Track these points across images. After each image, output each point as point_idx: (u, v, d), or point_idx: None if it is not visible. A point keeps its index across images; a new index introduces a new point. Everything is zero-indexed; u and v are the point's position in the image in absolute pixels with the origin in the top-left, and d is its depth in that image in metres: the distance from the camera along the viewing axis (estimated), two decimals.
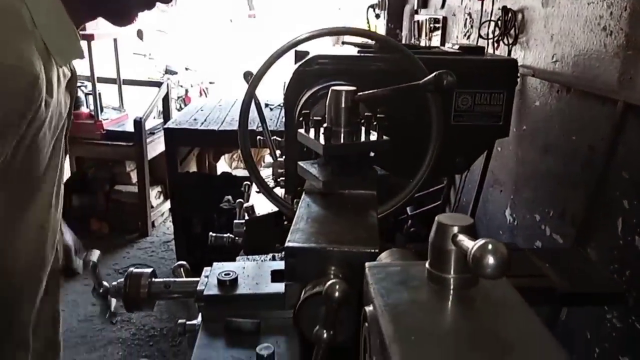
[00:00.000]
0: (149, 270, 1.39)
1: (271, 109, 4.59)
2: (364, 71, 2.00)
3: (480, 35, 2.71)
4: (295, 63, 2.08)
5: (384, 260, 0.83)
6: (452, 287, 0.58)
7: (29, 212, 1.11)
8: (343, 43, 2.26)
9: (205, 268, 1.44)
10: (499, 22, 2.57)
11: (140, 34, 6.94)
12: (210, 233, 2.38)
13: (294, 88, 1.94)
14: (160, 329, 3.62)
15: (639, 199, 1.64)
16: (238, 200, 2.40)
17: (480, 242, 0.49)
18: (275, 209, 2.21)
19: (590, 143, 1.93)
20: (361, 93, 1.35)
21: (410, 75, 1.66)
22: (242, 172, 6.24)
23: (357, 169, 1.35)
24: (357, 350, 0.69)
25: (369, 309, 0.56)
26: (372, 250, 0.98)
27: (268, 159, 8.41)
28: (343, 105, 1.32)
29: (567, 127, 2.09)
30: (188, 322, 1.45)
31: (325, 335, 0.79)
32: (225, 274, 1.34)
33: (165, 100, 5.07)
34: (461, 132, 2.05)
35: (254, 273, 1.40)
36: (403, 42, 5.20)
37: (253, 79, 1.66)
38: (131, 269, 1.38)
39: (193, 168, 5.13)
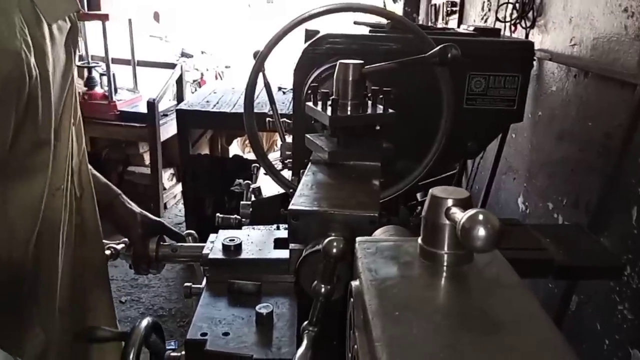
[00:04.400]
0: (157, 235, 1.43)
1: (284, 93, 4.55)
2: (375, 51, 1.96)
3: (497, 18, 2.64)
4: (305, 42, 2.05)
5: (379, 237, 0.81)
6: (445, 263, 0.55)
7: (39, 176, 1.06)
8: (355, 22, 2.22)
9: (211, 235, 1.48)
10: (517, 5, 2.49)
11: (156, 16, 6.94)
12: (218, 214, 2.38)
13: (302, 68, 1.91)
14: (169, 309, 3.64)
15: None
16: (245, 182, 2.39)
17: (470, 212, 0.46)
18: (282, 190, 2.21)
19: (606, 129, 1.87)
20: (368, 67, 1.33)
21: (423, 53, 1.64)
22: (254, 156, 6.24)
23: (362, 141, 1.36)
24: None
25: (355, 283, 0.53)
26: (372, 214, 1.02)
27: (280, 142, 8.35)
28: (350, 78, 1.33)
29: (584, 113, 2.03)
30: (194, 285, 1.48)
31: (323, 289, 0.84)
32: (230, 240, 1.39)
33: (179, 82, 5.06)
34: (474, 115, 2.00)
35: (258, 240, 1.45)
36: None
37: (258, 58, 1.64)
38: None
39: (205, 151, 5.12)
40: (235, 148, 6.38)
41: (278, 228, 1.64)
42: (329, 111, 1.34)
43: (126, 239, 1.50)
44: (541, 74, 2.37)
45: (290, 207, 1.07)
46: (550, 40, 2.27)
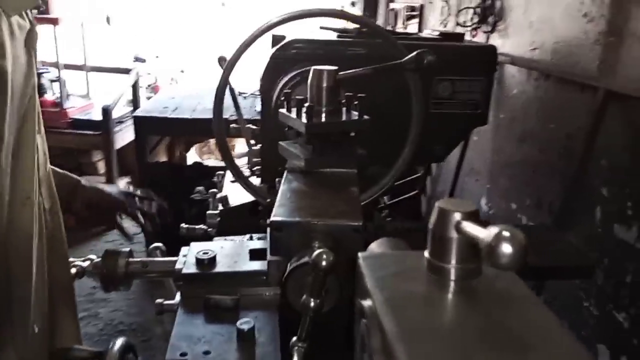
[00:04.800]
0: (127, 249, 1.36)
1: (245, 98, 4.49)
2: (342, 56, 1.96)
3: (458, 23, 2.68)
4: (272, 48, 2.02)
5: (375, 250, 0.79)
6: (454, 277, 0.54)
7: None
8: (321, 27, 2.20)
9: (183, 248, 1.42)
10: (478, 10, 2.54)
11: (108, 20, 6.72)
12: (182, 225, 2.31)
13: (270, 73, 1.88)
14: (130, 323, 3.52)
15: (619, 187, 1.64)
16: (211, 191, 2.33)
17: (496, 229, 0.44)
18: (250, 199, 2.16)
19: (568, 131, 1.92)
20: (342, 73, 1.33)
21: (390, 60, 1.63)
22: (213, 162, 6.13)
23: (338, 148, 1.35)
24: (348, 342, 0.65)
25: (366, 303, 0.51)
26: (356, 224, 1.00)
27: (238, 148, 8.30)
28: (325, 84, 1.31)
29: (545, 115, 2.08)
30: (166, 302, 1.42)
31: (312, 303, 0.81)
32: (203, 253, 1.33)
33: (134, 88, 4.92)
34: (440, 120, 2.02)
35: (232, 252, 1.40)
36: None
37: (227, 64, 1.60)
38: (110, 248, 1.35)
39: (163, 158, 4.99)
40: (193, 155, 6.27)
41: (251, 238, 1.60)
42: (304, 118, 1.32)
43: (91, 256, 1.43)
44: (502, 77, 2.42)
45: (273, 218, 1.04)
46: (510, 44, 2.32)
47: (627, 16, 1.59)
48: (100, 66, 5.18)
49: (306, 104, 1.33)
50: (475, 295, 0.51)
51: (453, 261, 0.54)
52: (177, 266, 1.32)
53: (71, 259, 1.41)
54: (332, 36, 2.03)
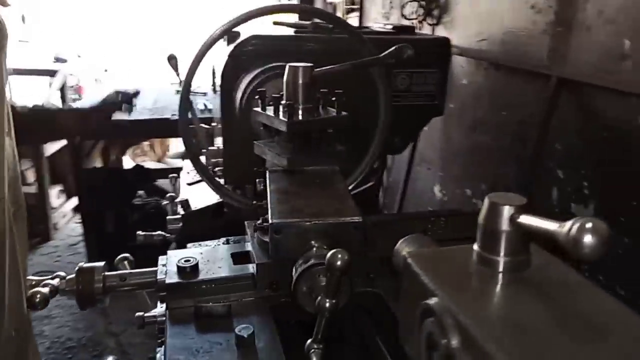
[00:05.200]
0: (101, 263, 1.28)
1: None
2: (302, 51, 1.94)
3: (404, 16, 2.73)
4: (228, 45, 1.97)
5: (406, 249, 0.79)
6: (505, 269, 0.55)
7: None
8: (275, 23, 2.17)
9: (160, 257, 1.36)
10: (422, 3, 2.60)
11: (23, 19, 6.29)
12: (138, 232, 2.22)
13: (230, 71, 1.84)
14: (79, 339, 3.34)
15: (573, 168, 1.74)
16: (169, 194, 2.24)
17: (579, 221, 0.45)
18: (212, 201, 2.11)
19: (520, 118, 2.01)
20: (318, 69, 1.32)
21: (352, 54, 1.64)
22: (153, 165, 5.92)
23: (318, 145, 1.34)
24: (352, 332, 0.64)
25: (434, 302, 0.51)
26: (357, 220, 1.02)
27: (173, 149, 8.06)
28: (301, 81, 1.30)
29: (497, 104, 2.17)
30: (147, 314, 1.35)
31: (328, 304, 0.82)
32: (185, 261, 1.28)
33: (62, 90, 4.65)
34: (399, 112, 2.05)
35: (213, 257, 1.36)
36: None
37: (192, 64, 1.55)
38: (81, 263, 1.28)
39: (98, 163, 4.76)
40: (127, 158, 6.02)
41: (227, 242, 1.55)
42: (282, 116, 1.29)
43: (59, 273, 1.33)
44: (451, 68, 2.48)
45: (272, 221, 1.02)
46: (458, 36, 2.39)
47: (575, 7, 1.68)
48: (21, 68, 4.84)
49: (283, 102, 1.31)
50: (536, 286, 0.52)
51: (504, 253, 0.55)
52: (159, 276, 1.26)
53: (35, 278, 1.32)
54: (289, 32, 2.01)
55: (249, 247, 1.39)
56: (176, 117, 3.89)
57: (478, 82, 2.29)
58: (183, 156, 7.69)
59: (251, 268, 1.30)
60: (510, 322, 0.46)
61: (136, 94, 3.56)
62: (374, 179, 3.02)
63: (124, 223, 4.12)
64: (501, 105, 2.13)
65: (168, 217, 2.06)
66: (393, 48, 1.30)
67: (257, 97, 1.37)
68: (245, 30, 1.87)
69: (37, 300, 1.19)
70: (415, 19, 2.69)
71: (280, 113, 1.28)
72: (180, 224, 2.03)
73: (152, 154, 7.19)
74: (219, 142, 2.34)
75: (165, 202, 2.35)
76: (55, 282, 1.30)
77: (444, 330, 0.48)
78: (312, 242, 1.00)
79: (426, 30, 2.68)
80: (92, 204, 3.83)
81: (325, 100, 1.37)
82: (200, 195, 2.13)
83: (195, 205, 2.06)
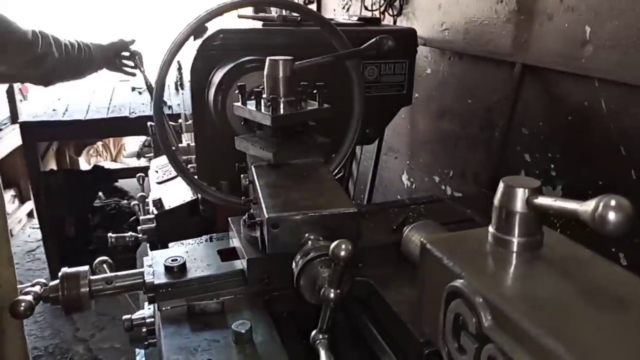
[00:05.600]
0: (85, 267, 1.25)
1: (140, 93, 4.25)
2: (271, 45, 1.93)
3: (365, 7, 2.75)
4: (195, 40, 1.94)
5: (417, 235, 0.81)
6: (522, 249, 0.57)
7: None
8: (240, 16, 2.15)
9: (144, 258, 1.35)
10: None
11: None
12: (110, 234, 2.17)
13: (200, 66, 1.80)
14: (45, 347, 3.23)
15: (539, 151, 1.81)
16: (140, 194, 2.19)
17: (603, 199, 0.48)
18: (185, 199, 2.08)
19: (486, 105, 2.07)
20: (299, 62, 1.32)
21: (323, 46, 1.65)
22: (110, 165, 5.76)
23: (301, 138, 1.35)
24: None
25: (459, 283, 0.53)
26: (351, 210, 1.03)
27: (129, 147, 7.84)
28: (281, 75, 1.30)
29: (462, 92, 2.22)
30: (134, 316, 1.33)
31: (332, 294, 0.83)
32: (172, 260, 1.27)
33: (10, 91, 4.44)
34: (370, 103, 2.07)
35: (199, 255, 1.36)
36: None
37: (165, 61, 1.52)
38: (64, 268, 1.22)
39: (52, 165, 4.59)
40: (80, 159, 5.84)
41: (211, 239, 1.54)
42: (265, 110, 1.29)
43: (39, 280, 1.29)
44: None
45: (269, 215, 1.02)
46: (419, 26, 2.43)
47: None
48: None
49: (264, 96, 1.31)
50: (553, 263, 0.55)
51: (520, 234, 0.57)
52: (147, 278, 1.25)
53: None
54: (258, 25, 1.99)
55: (234, 243, 1.39)
56: (135, 115, 3.78)
57: (442, 71, 2.34)
58: (138, 155, 7.52)
59: (240, 264, 1.31)
60: (537, 298, 0.49)
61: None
62: (343, 171, 3.05)
63: (85, 226, 4.01)
64: (467, 93, 2.19)
65: (141, 218, 2.01)
66: (373, 40, 1.32)
67: (236, 91, 1.36)
68: (211, 25, 1.84)
69: (22, 308, 1.15)
70: (377, 10, 2.72)
71: (262, 107, 1.28)
72: (154, 224, 1.99)
73: (107, 153, 7.00)
74: (185, 138, 2.30)
75: (134, 203, 2.29)
76: (37, 289, 1.26)
77: (475, 310, 0.50)
78: (307, 234, 1.01)
79: (387, 21, 2.72)
80: (50, 207, 3.69)
81: (305, 92, 1.37)
82: (172, 194, 2.09)
83: (167, 204, 2.02)
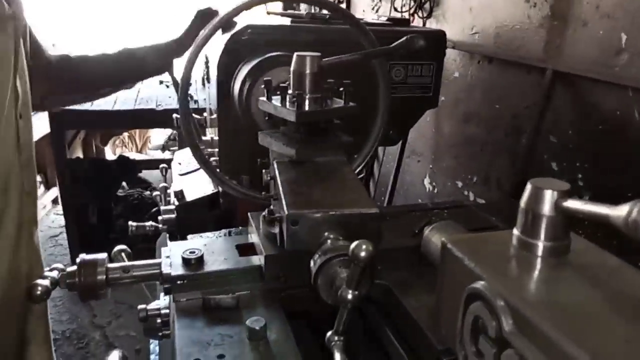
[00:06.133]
0: (103, 255, 1.25)
1: (167, 87, 4.30)
2: (298, 42, 1.93)
3: (395, 8, 2.73)
4: (223, 34, 1.95)
5: (438, 236, 0.79)
6: (548, 254, 0.55)
7: None
8: (268, 13, 2.15)
9: (162, 249, 1.34)
10: None
11: None
12: (130, 222, 2.18)
13: (227, 61, 1.81)
14: (62, 331, 3.29)
15: (567, 160, 1.77)
16: (162, 185, 2.21)
17: (638, 202, 0.46)
18: (206, 192, 2.09)
19: (514, 111, 2.04)
20: (327, 59, 1.30)
21: (350, 44, 1.64)
22: (135, 155, 5.84)
23: (324, 135, 1.33)
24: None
25: (481, 285, 0.51)
26: (373, 211, 1.01)
27: (155, 140, 7.94)
28: (308, 71, 1.28)
29: (490, 97, 2.19)
30: (149, 307, 1.33)
31: (350, 296, 0.80)
32: (190, 252, 1.26)
33: None
34: (395, 104, 2.06)
35: (218, 249, 1.34)
36: None
37: (191, 55, 1.52)
38: (82, 255, 1.22)
39: (79, 153, 4.67)
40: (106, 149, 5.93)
41: (229, 234, 1.53)
42: (290, 106, 1.28)
43: (57, 265, 1.30)
44: None
45: (289, 212, 1.01)
46: (449, 29, 2.40)
47: (570, 1, 1.70)
48: None
49: (289, 92, 1.29)
50: (579, 269, 0.53)
51: (546, 238, 0.55)
52: (164, 269, 1.24)
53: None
54: (286, 21, 1.99)
55: (252, 238, 1.38)
56: (161, 108, 3.82)
57: (471, 75, 2.31)
58: (163, 148, 7.61)
59: (257, 260, 1.29)
60: (562, 304, 0.47)
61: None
62: (365, 172, 3.03)
63: (108, 215, 4.06)
64: (494, 98, 2.16)
65: (162, 208, 2.03)
66: (403, 38, 1.30)
67: (262, 86, 1.35)
68: (240, 21, 1.85)
69: (39, 292, 1.15)
70: (406, 11, 2.70)
71: (287, 103, 1.27)
72: (174, 215, 2.00)
73: (132, 145, 7.10)
74: (209, 132, 2.32)
75: (156, 193, 2.32)
76: (54, 274, 1.26)
77: (495, 314, 0.48)
78: (326, 233, 0.99)
79: (416, 23, 2.69)
80: (75, 195, 3.75)
81: (331, 90, 1.35)
82: (193, 186, 2.11)
83: (188, 196, 2.04)
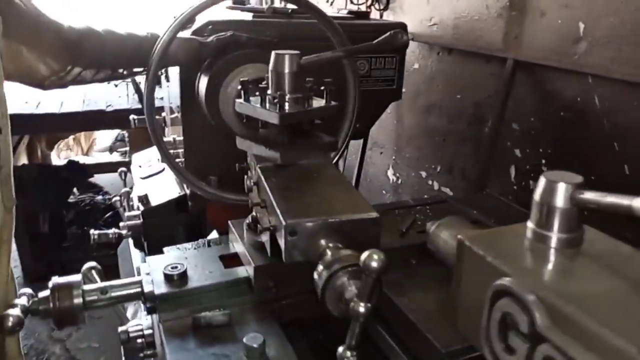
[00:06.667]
0: (78, 277, 1.18)
1: (116, 86, 4.14)
2: (262, 37, 1.89)
3: (351, 1, 2.73)
4: (183, 31, 1.89)
5: (444, 231, 0.79)
6: (563, 245, 0.56)
7: None
8: (228, 7, 2.10)
9: (141, 265, 1.28)
10: None
11: None
12: (92, 231, 2.10)
13: None
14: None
15: (530, 147, 1.82)
16: (124, 190, 2.13)
17: None
18: (172, 195, 2.02)
19: (476, 101, 2.08)
20: (307, 57, 1.26)
21: (314, 39, 1.62)
22: (84, 160, 5.61)
23: (307, 137, 1.28)
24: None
25: (506, 281, 0.51)
26: (373, 216, 0.97)
27: (100, 142, 7.64)
28: (287, 70, 1.23)
29: (451, 87, 2.22)
30: (131, 328, 1.27)
31: (363, 309, 0.76)
32: (172, 268, 1.20)
33: None
34: (360, 98, 2.06)
35: (200, 262, 1.28)
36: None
37: (157, 55, 1.47)
38: (55, 278, 1.15)
39: (24, 159, 4.44)
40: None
41: (209, 244, 1.45)
42: (271, 107, 1.21)
43: (25, 290, 1.21)
44: None
45: (287, 222, 0.95)
46: (408, 20, 2.41)
47: None
48: None
49: (269, 92, 1.23)
50: (598, 259, 0.54)
51: (561, 230, 0.56)
52: (146, 288, 1.17)
53: None
54: (247, 16, 1.95)
55: (236, 248, 1.33)
56: (111, 109, 3.67)
57: (430, 66, 2.34)
58: (111, 149, 7.35)
59: (244, 271, 1.24)
60: (593, 295, 0.48)
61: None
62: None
63: (59, 223, 3.89)
64: (455, 89, 2.19)
65: (126, 214, 1.96)
66: (387, 34, 1.27)
67: (239, 87, 1.30)
68: (200, 16, 1.79)
69: (10, 324, 1.05)
70: (363, 4, 2.70)
71: (267, 104, 1.21)
72: (140, 220, 1.94)
73: (78, 147, 6.82)
74: (170, 132, 2.25)
75: (116, 198, 2.23)
76: (23, 300, 1.17)
77: (527, 309, 0.48)
78: (323, 241, 0.93)
79: (373, 16, 2.70)
80: (23, 203, 3.56)
81: (312, 89, 1.30)
82: (158, 190, 2.04)
83: (154, 200, 1.97)
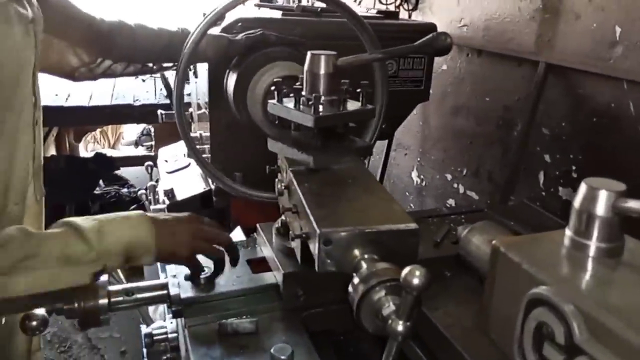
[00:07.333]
0: (104, 277, 1.18)
1: (143, 80, 4.20)
2: (291, 35, 1.89)
3: (379, 1, 2.71)
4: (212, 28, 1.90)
5: (477, 236, 0.77)
6: (603, 255, 0.55)
7: None
8: (256, 5, 2.11)
9: (167, 267, 1.26)
10: None
11: None
12: None
13: None
14: (43, 335, 3.19)
15: (560, 152, 1.79)
16: (150, 183, 2.15)
17: None
18: (198, 190, 2.04)
19: (505, 103, 2.05)
20: (343, 58, 1.22)
21: (343, 38, 1.61)
22: (111, 152, 5.69)
23: (341, 140, 1.25)
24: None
25: (543, 290, 0.50)
26: (412, 227, 0.92)
27: (127, 136, 7.76)
28: (323, 71, 1.18)
29: (480, 89, 2.19)
30: (155, 330, 1.27)
31: (402, 327, 0.71)
32: None
33: None
34: (388, 98, 2.05)
35: (228, 265, 1.26)
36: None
37: (187, 50, 1.48)
38: None
39: (52, 151, 4.53)
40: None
41: None
42: (306, 110, 1.17)
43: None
44: None
45: (322, 231, 0.90)
46: (437, 21, 2.38)
47: None
48: None
49: (304, 94, 1.20)
50: (638, 271, 0.53)
51: (601, 239, 0.55)
52: (172, 291, 1.15)
53: None
54: (276, 14, 1.95)
55: (264, 252, 1.32)
56: (139, 103, 3.73)
57: (459, 67, 2.31)
58: (136, 143, 7.45)
59: (272, 277, 1.22)
60: (635, 307, 0.46)
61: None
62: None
63: (85, 214, 3.95)
64: (484, 91, 2.16)
65: (152, 207, 1.98)
66: (429, 36, 1.22)
67: (272, 88, 1.27)
68: (230, 13, 1.80)
69: (35, 323, 1.03)
70: (392, 3, 2.68)
71: (301, 106, 1.18)
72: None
73: (105, 140, 6.94)
74: (197, 128, 2.27)
75: (142, 192, 2.26)
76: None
77: (564, 320, 0.47)
78: (357, 251, 0.89)
79: (402, 16, 2.68)
80: (50, 194, 3.63)
81: (348, 91, 1.26)
82: (183, 185, 2.06)
83: (179, 194, 1.99)
